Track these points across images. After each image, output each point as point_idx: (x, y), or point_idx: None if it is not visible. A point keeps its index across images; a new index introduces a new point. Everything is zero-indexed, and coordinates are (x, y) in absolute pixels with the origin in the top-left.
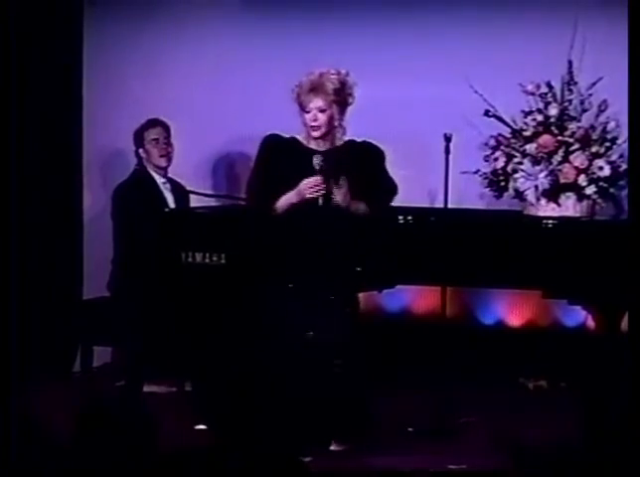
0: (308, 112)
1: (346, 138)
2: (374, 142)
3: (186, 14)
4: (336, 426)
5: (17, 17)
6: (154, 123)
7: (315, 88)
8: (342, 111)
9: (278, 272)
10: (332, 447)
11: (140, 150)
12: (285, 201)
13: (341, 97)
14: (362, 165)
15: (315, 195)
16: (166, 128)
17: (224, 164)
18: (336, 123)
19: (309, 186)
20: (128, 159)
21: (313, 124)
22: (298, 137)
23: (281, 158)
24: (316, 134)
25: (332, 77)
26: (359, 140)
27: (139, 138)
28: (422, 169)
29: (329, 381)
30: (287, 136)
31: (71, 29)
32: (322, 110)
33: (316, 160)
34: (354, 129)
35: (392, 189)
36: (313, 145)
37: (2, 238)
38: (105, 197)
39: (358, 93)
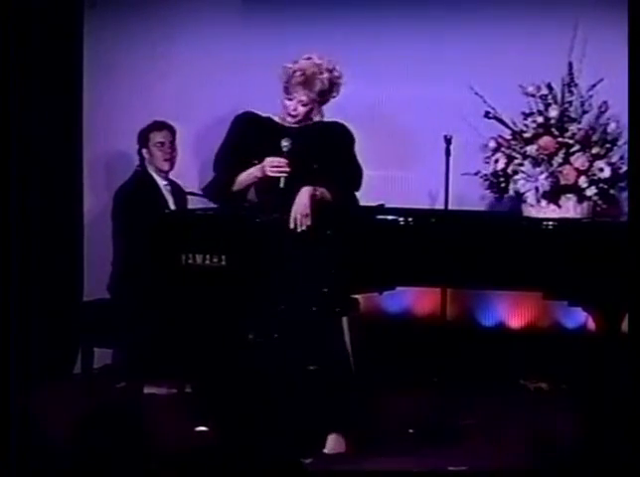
0: (290, 100)
1: (316, 119)
2: (342, 123)
3: (187, 14)
4: (336, 428)
5: (17, 17)
6: (161, 126)
7: (304, 83)
8: (322, 105)
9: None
10: (326, 450)
11: (144, 150)
12: (248, 174)
13: (325, 98)
14: (329, 147)
15: (276, 175)
16: (172, 132)
17: None
18: (313, 114)
19: (273, 165)
20: (129, 161)
21: (291, 113)
22: (274, 117)
23: (252, 133)
24: (292, 121)
25: (324, 76)
26: (328, 120)
27: (144, 139)
28: (423, 171)
29: (330, 382)
30: (263, 115)
31: (71, 29)
32: (304, 104)
33: (285, 142)
34: (354, 128)
35: (357, 175)
36: (286, 123)
37: (3, 240)
38: (106, 198)
39: (359, 94)
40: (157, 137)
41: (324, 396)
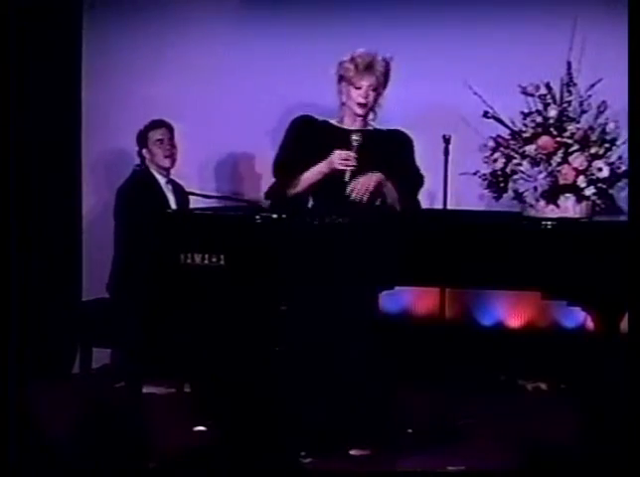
0: (359, 89)
1: (374, 124)
2: (404, 130)
3: (186, 14)
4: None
5: (17, 18)
6: (159, 124)
7: (369, 67)
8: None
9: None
10: (352, 452)
11: (144, 150)
12: (313, 171)
13: (385, 81)
14: (394, 153)
15: (344, 167)
16: (170, 129)
17: (226, 165)
18: (375, 105)
19: (342, 157)
20: (128, 160)
21: (361, 101)
22: (331, 121)
23: (313, 136)
24: (361, 111)
25: (380, 60)
26: (388, 129)
27: (143, 139)
28: (421, 170)
29: (329, 382)
30: (319, 118)
31: (71, 29)
32: (374, 89)
33: (355, 136)
34: None
35: (420, 180)
36: (345, 126)
37: (2, 240)
38: (105, 198)
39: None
40: (156, 135)
41: (354, 399)
